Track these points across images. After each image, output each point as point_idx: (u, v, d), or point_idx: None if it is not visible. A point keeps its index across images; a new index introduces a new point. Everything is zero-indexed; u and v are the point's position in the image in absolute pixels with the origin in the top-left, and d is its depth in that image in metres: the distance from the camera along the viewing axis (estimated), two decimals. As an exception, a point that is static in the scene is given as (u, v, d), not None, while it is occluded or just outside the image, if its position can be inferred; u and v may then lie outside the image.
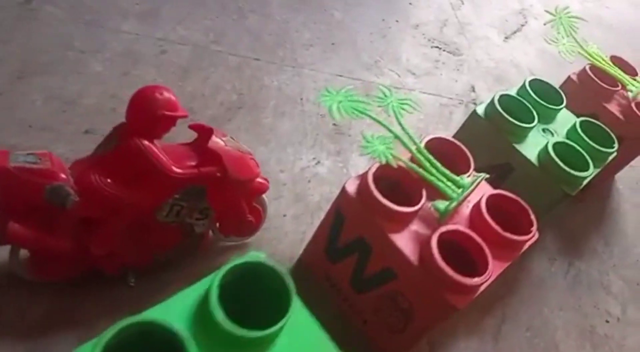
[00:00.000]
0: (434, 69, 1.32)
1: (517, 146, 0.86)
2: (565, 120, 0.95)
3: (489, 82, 1.36)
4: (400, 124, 0.74)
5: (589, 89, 1.06)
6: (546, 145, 0.84)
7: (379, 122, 0.71)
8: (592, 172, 0.84)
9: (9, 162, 0.56)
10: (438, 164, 0.71)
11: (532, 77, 0.96)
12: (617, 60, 1.14)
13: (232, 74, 1.07)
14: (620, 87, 1.07)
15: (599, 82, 1.05)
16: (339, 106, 0.69)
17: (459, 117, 1.21)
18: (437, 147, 0.76)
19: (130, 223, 0.63)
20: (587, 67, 1.08)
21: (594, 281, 1.02)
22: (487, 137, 0.88)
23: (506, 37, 1.56)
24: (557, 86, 1.08)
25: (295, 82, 1.11)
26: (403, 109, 0.75)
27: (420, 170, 0.69)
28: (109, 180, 0.59)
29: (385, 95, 0.75)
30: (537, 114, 0.90)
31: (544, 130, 0.92)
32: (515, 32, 1.60)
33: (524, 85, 0.94)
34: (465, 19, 1.55)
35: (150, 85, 0.61)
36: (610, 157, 0.91)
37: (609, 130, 0.93)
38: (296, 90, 1.09)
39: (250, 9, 1.23)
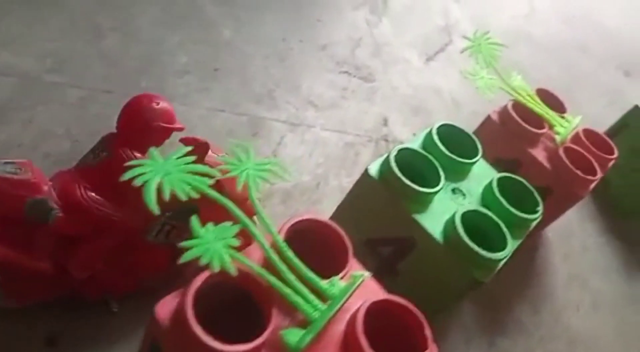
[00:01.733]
0: (341, 100, 1.12)
1: (419, 217, 0.67)
2: (481, 174, 0.77)
3: (405, 114, 1.18)
4: (253, 202, 0.53)
5: (511, 131, 0.89)
6: (453, 216, 0.66)
7: (225, 204, 0.51)
8: (509, 251, 0.66)
9: None
10: (300, 265, 0.51)
11: (441, 123, 0.78)
12: (544, 95, 0.99)
13: (69, 113, 0.83)
14: (547, 127, 0.91)
15: (522, 123, 0.88)
16: (166, 181, 0.48)
17: (366, 159, 1.02)
18: (307, 232, 0.56)
19: (116, 243, 0.57)
20: (510, 105, 0.91)
21: (520, 363, 0.85)
22: (382, 204, 0.69)
23: (427, 59, 1.39)
24: (480, 120, 0.92)
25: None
26: (263, 178, 0.54)
27: (272, 278, 0.49)
28: (96, 195, 0.55)
29: (241, 161, 0.54)
30: (446, 170, 0.72)
31: (454, 190, 0.74)
32: (437, 53, 1.43)
33: (430, 133, 0.76)
34: (382, 39, 1.37)
35: (146, 93, 0.58)
36: (534, 223, 0.74)
37: (532, 189, 0.76)
38: (159, 132, 0.87)
39: (110, 26, 1.00)
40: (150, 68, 0.96)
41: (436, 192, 0.68)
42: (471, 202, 0.72)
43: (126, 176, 0.45)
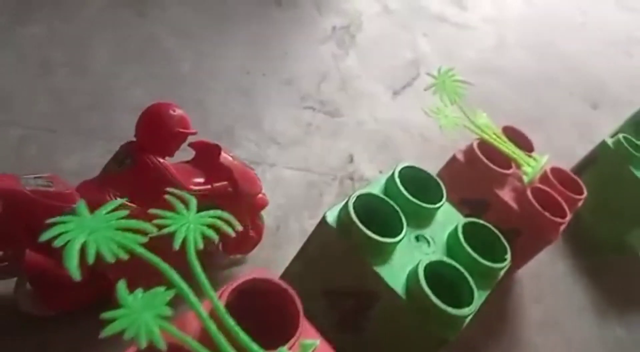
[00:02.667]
0: (305, 136, 1.09)
1: (380, 269, 0.62)
2: (446, 219, 0.74)
3: (372, 150, 1.15)
4: (192, 264, 0.48)
5: (477, 171, 0.86)
6: (416, 268, 0.62)
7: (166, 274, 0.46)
8: (476, 305, 0.62)
9: (21, 185, 0.53)
10: (243, 336, 0.45)
11: (404, 165, 0.74)
12: (510, 132, 0.96)
13: (7, 152, 0.77)
14: (514, 167, 0.89)
15: (488, 163, 0.86)
16: (90, 240, 0.42)
17: (330, 200, 0.97)
18: (255, 292, 0.51)
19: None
20: (475, 144, 0.88)
21: None
22: (341, 255, 0.64)
23: (395, 93, 1.37)
24: (449, 155, 0.89)
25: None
26: (206, 234, 0.49)
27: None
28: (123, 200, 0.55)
29: (181, 214, 0.49)
30: (409, 216, 0.68)
31: (417, 238, 0.69)
32: (405, 87, 1.41)
33: (392, 176, 0.72)
34: (349, 72, 1.34)
35: (161, 102, 0.61)
36: (502, 272, 0.70)
37: (499, 235, 0.72)
38: (106, 173, 0.81)
39: (62, 61, 0.95)
40: (100, 105, 0.91)
41: (398, 242, 0.64)
42: (436, 251, 0.68)
43: (45, 236, 0.40)
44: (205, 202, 0.58)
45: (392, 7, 1.79)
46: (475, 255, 0.67)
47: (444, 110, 0.86)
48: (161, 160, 0.59)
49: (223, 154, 0.66)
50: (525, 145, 0.96)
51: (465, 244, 0.67)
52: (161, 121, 0.59)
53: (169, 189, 0.48)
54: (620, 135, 1.21)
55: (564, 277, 1.11)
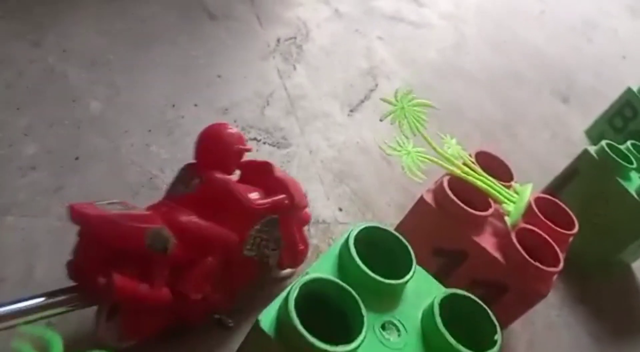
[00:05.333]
0: (246, 177, 0.92)
1: (336, 387, 0.47)
2: (418, 290, 0.58)
3: (328, 183, 0.99)
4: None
5: (451, 216, 0.71)
6: (385, 381, 0.46)
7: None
8: None
9: (102, 210, 0.53)
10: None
11: (361, 226, 0.58)
12: (484, 159, 0.82)
13: None
14: (493, 206, 0.74)
15: (462, 205, 0.71)
16: None
17: (280, 256, 0.81)
18: None
19: (219, 262, 0.61)
20: (445, 182, 0.73)
21: None
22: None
23: (352, 110, 1.22)
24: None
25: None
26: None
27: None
28: (197, 219, 0.58)
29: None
30: (371, 298, 0.52)
31: (384, 327, 0.54)
32: (362, 102, 1.26)
33: (346, 244, 0.56)
34: (297, 91, 1.18)
35: (217, 123, 0.64)
36: (493, 358, 0.55)
37: (487, 310, 0.57)
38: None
39: None
40: (-22, 168, 0.72)
41: (359, 345, 0.48)
42: (408, 343, 0.53)
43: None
44: (266, 216, 0.64)
45: (343, 9, 1.63)
46: (457, 345, 0.52)
47: (405, 146, 0.71)
48: (229, 177, 0.62)
49: (277, 169, 0.68)
50: (503, 173, 0.81)
51: (445, 332, 0.52)
52: (222, 141, 0.62)
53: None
54: (604, 143, 1.09)
55: (555, 309, 0.98)
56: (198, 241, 0.58)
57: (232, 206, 0.60)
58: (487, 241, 0.70)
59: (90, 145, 0.83)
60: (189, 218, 0.58)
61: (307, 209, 0.74)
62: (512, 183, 0.80)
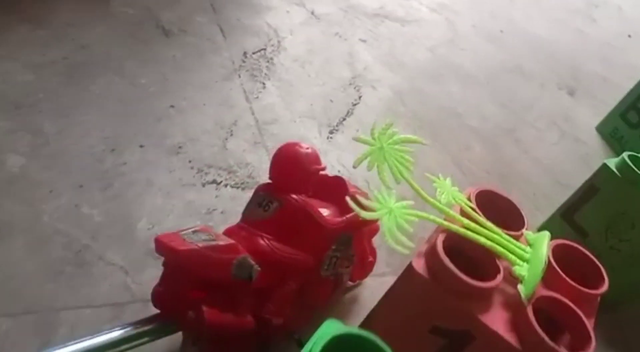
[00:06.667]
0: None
1: None
2: None
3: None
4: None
5: (448, 291, 0.56)
6: None
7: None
8: None
9: (189, 242, 0.53)
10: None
11: (329, 335, 0.43)
12: (488, 200, 0.66)
13: None
14: (501, 269, 0.59)
15: (462, 277, 0.55)
16: None
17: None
18: None
19: (299, 284, 0.61)
20: (439, 243, 0.58)
21: None
22: None
23: (331, 132, 1.06)
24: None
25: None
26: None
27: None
28: (278, 243, 0.58)
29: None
30: None
31: None
32: (344, 119, 1.10)
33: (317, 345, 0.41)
34: (267, 114, 1.02)
35: (292, 142, 0.62)
36: None
37: None
38: None
39: None
40: None
41: None
42: None
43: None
44: (342, 234, 0.64)
45: (320, 11, 1.47)
46: None
47: (386, 201, 0.55)
48: (307, 199, 0.60)
49: (349, 184, 0.67)
50: (512, 216, 0.66)
51: None
52: (298, 161, 0.61)
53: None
54: (625, 155, 0.93)
55: None
56: (279, 267, 0.58)
57: (312, 229, 0.60)
58: (496, 320, 0.55)
59: (4, 215, 0.68)
60: (270, 244, 0.58)
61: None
62: (523, 231, 0.64)
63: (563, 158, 1.33)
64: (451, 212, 0.61)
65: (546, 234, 0.64)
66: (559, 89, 1.66)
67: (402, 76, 1.35)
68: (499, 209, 0.67)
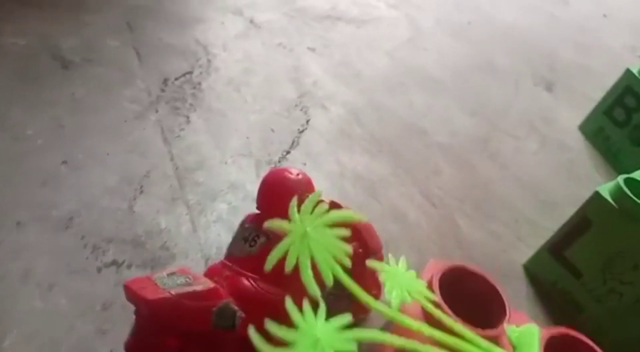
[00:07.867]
0: (101, 336, 0.59)
1: None
2: None
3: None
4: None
5: None
6: None
7: None
8: None
9: (162, 288, 0.49)
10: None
11: None
12: (460, 282, 0.50)
13: None
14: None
15: None
16: None
17: None
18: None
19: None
20: None
21: None
22: None
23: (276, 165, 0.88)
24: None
25: None
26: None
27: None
28: (264, 283, 0.54)
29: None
30: None
31: None
32: (288, 153, 0.93)
33: None
34: (191, 157, 0.84)
35: (279, 168, 0.60)
36: None
37: None
38: None
39: None
40: None
41: None
42: None
43: None
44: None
45: (261, 18, 1.29)
46: None
47: (311, 321, 0.39)
48: None
49: (345, 206, 0.61)
50: (489, 299, 0.49)
51: None
52: (287, 191, 0.55)
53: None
54: (620, 180, 0.77)
55: None
56: (266, 310, 0.51)
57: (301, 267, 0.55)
58: None
59: None
60: (256, 286, 0.54)
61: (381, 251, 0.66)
62: (504, 324, 0.48)
63: (546, 170, 1.17)
64: (405, 319, 0.44)
65: (534, 333, 0.48)
66: (535, 85, 1.50)
67: (358, 89, 1.17)
68: (471, 291, 0.50)
